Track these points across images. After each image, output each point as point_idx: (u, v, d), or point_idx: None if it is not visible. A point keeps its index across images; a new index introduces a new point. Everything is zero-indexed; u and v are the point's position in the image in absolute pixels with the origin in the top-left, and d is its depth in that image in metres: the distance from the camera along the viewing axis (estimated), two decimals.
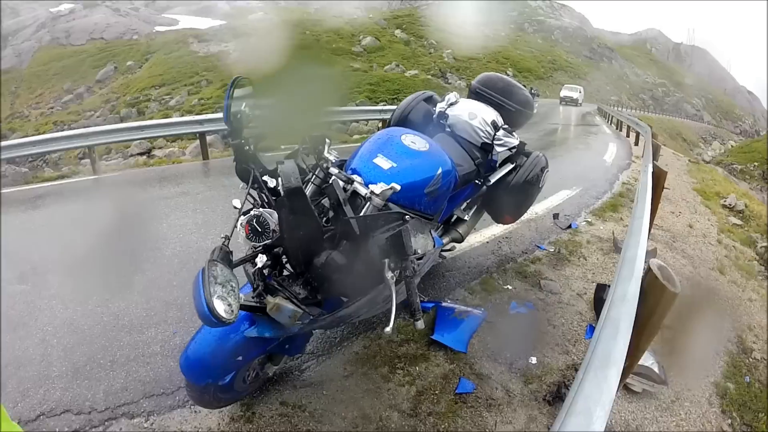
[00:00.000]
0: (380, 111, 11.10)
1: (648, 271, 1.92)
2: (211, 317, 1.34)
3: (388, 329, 1.51)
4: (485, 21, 54.34)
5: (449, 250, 3.54)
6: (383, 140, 2.35)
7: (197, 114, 17.03)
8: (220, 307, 1.37)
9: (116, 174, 8.47)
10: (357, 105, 20.20)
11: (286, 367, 2.55)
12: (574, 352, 2.88)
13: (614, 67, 64.71)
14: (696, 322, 3.15)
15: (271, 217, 1.73)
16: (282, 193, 1.64)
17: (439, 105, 3.29)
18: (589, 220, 5.32)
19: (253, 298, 1.72)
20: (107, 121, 27.13)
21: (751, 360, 3.44)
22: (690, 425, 2.56)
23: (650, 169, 4.09)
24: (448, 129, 3.19)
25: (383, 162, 2.18)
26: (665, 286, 1.81)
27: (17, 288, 3.46)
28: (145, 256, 3.92)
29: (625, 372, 1.84)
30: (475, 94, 3.44)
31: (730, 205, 8.03)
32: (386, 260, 1.63)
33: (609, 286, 2.53)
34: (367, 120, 13.82)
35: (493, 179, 3.14)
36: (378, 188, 1.77)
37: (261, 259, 1.74)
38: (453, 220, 3.28)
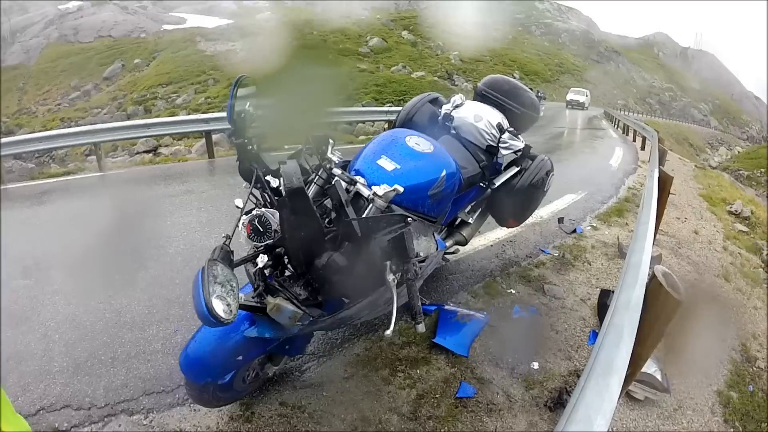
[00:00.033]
0: (386, 112, 11.08)
1: (652, 278, 1.90)
2: (209, 317, 1.33)
3: (388, 332, 1.50)
4: (492, 23, 54.30)
5: (453, 252, 3.53)
6: (387, 141, 2.34)
7: (204, 113, 17.06)
8: (219, 307, 1.36)
9: (122, 171, 8.49)
10: (363, 106, 20.23)
11: (287, 367, 2.54)
12: (576, 358, 2.86)
13: (621, 70, 64.52)
14: (700, 330, 3.12)
15: (273, 217, 1.73)
16: (283, 193, 1.64)
17: (444, 107, 3.28)
18: (594, 224, 5.29)
19: (253, 298, 1.71)
20: (114, 119, 27.22)
21: (755, 369, 3.41)
22: None
23: (656, 174, 4.06)
24: (453, 131, 3.18)
25: (387, 163, 2.17)
26: (669, 293, 1.79)
27: (21, 283, 3.47)
28: (149, 254, 3.93)
29: (628, 379, 1.82)
30: (481, 97, 3.43)
31: (736, 211, 7.98)
32: (388, 262, 1.62)
33: (613, 291, 2.51)
34: (374, 121, 13.82)
35: (498, 182, 3.13)
36: (381, 190, 1.76)
37: (262, 259, 1.73)
38: (457, 222, 3.26)
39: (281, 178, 1.77)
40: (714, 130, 59.95)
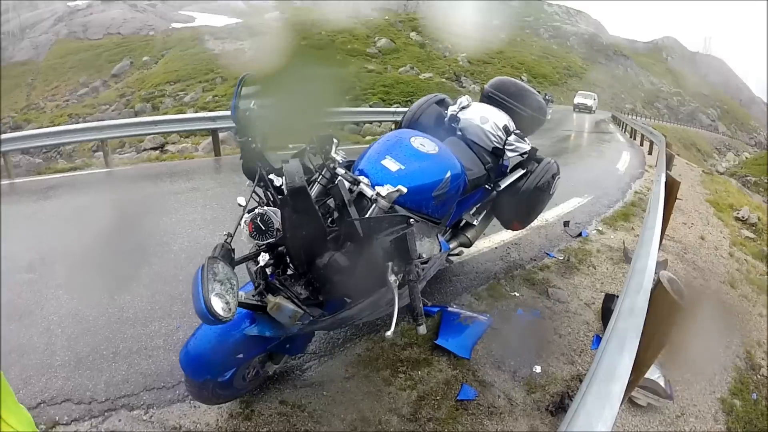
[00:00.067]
0: (393, 113, 11.11)
1: (657, 283, 1.88)
2: (207, 314, 1.33)
3: (389, 333, 1.49)
4: (501, 25, 54.21)
5: (457, 254, 3.52)
6: (392, 142, 2.33)
7: (211, 111, 17.12)
8: (218, 305, 1.35)
9: (128, 168, 8.53)
10: (371, 106, 20.26)
11: (287, 366, 2.53)
12: (579, 363, 2.84)
13: (629, 74, 64.20)
14: (704, 337, 3.09)
15: (275, 215, 1.72)
16: (285, 191, 1.63)
17: (450, 108, 3.27)
18: (600, 228, 5.26)
19: (254, 296, 1.71)
20: (122, 115, 27.40)
21: (759, 377, 3.37)
22: None
23: (663, 179, 4.03)
24: (459, 132, 3.16)
25: (391, 164, 2.16)
26: (674, 299, 1.77)
27: (25, 277, 3.49)
28: (153, 250, 3.94)
29: (631, 385, 1.81)
30: (488, 98, 3.41)
31: (743, 217, 7.91)
32: (390, 263, 1.61)
33: (617, 296, 2.49)
34: (381, 121, 13.82)
35: (504, 184, 3.11)
36: (384, 190, 1.75)
37: (263, 258, 1.73)
38: (462, 224, 3.25)
39: (284, 177, 1.76)
40: (722, 136, 59.52)
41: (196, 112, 22.13)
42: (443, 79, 33.68)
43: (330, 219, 1.87)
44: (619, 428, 2.42)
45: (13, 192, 6.31)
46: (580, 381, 2.57)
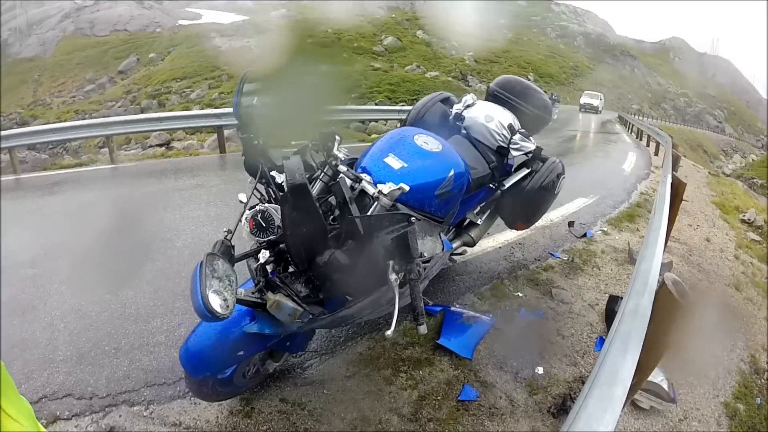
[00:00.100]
0: (399, 111, 11.13)
1: (662, 285, 1.86)
2: (205, 311, 1.32)
3: (389, 332, 1.48)
4: (507, 24, 54.04)
5: (461, 253, 3.50)
6: (396, 139, 2.32)
7: (216, 108, 17.14)
8: (216, 302, 1.35)
9: (134, 164, 8.54)
10: (376, 104, 20.22)
11: (288, 364, 2.53)
12: (582, 364, 2.82)
13: (636, 75, 63.87)
14: (708, 340, 3.06)
15: (276, 212, 1.71)
16: (286, 188, 1.62)
17: (455, 106, 3.25)
18: (605, 229, 5.23)
19: (253, 293, 1.70)
20: (128, 112, 27.47)
21: (763, 381, 3.34)
22: None
23: (669, 180, 4.00)
24: (463, 131, 3.15)
25: (394, 162, 2.15)
26: (679, 302, 1.75)
27: (29, 272, 3.50)
28: (156, 246, 3.94)
29: (634, 388, 1.79)
30: (493, 97, 3.39)
31: (749, 220, 7.85)
32: (390, 262, 1.59)
33: (621, 298, 2.47)
34: (386, 120, 13.79)
35: (508, 184, 3.10)
36: (386, 188, 1.73)
37: (264, 255, 1.72)
38: (465, 223, 3.24)
39: (285, 174, 1.75)
40: (728, 137, 59.03)
41: (202, 109, 22.16)
42: (449, 78, 33.58)
43: (331, 216, 1.86)
44: (621, 431, 2.40)
45: (19, 188, 6.34)
46: (583, 383, 2.55)
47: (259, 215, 1.72)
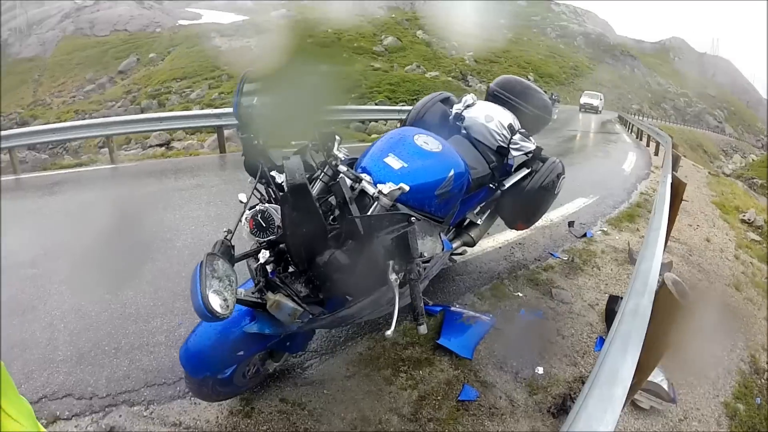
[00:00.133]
0: (399, 111, 11.13)
1: (662, 285, 1.86)
2: (205, 311, 1.33)
3: (388, 332, 1.48)
4: (507, 24, 54.03)
5: (461, 253, 3.50)
6: (395, 139, 2.32)
7: (216, 108, 17.14)
8: (215, 302, 1.35)
9: (133, 164, 8.54)
10: (376, 104, 20.21)
11: (288, 364, 2.53)
12: (582, 364, 2.82)
13: (636, 75, 63.85)
14: (708, 340, 3.06)
15: (276, 212, 1.71)
16: (285, 188, 1.62)
17: (455, 106, 3.25)
18: (605, 229, 5.23)
19: (253, 293, 1.70)
20: (128, 112, 27.45)
21: (763, 381, 3.34)
22: None
23: (669, 180, 4.00)
24: (463, 131, 3.15)
25: (394, 162, 2.15)
26: (679, 302, 1.75)
27: (29, 272, 3.50)
28: (156, 247, 3.94)
29: (634, 388, 1.79)
30: (493, 97, 3.39)
31: (749, 220, 7.85)
32: (390, 262, 1.59)
33: (621, 298, 2.46)
34: (386, 120, 13.79)
35: (508, 184, 3.10)
36: (386, 188, 1.73)
37: (264, 255, 1.72)
38: (465, 223, 3.24)
39: (285, 174, 1.75)
40: (728, 137, 58.98)
41: (202, 109, 22.15)
42: (449, 78, 33.57)
43: (331, 216, 1.86)
44: (621, 431, 2.40)
45: (19, 188, 6.34)
46: (583, 383, 2.55)
47: (259, 215, 1.72)
